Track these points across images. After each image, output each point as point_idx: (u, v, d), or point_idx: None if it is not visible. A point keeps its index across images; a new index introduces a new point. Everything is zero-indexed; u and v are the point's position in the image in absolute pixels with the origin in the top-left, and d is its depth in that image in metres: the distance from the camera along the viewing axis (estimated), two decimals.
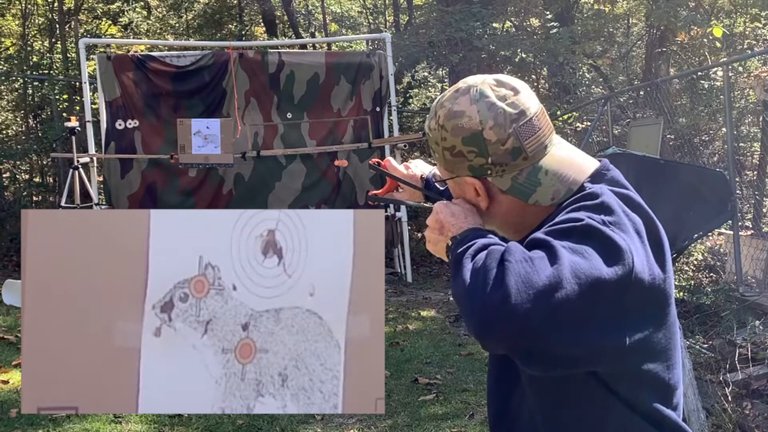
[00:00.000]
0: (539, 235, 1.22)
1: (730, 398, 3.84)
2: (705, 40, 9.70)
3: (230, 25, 14.30)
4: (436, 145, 1.37)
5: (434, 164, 1.64)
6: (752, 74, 7.31)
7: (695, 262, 7.81)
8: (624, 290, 1.19)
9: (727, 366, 4.30)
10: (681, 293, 6.24)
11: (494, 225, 1.41)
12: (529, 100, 1.33)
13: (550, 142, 1.35)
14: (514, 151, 1.31)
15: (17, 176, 11.59)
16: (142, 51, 10.50)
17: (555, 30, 10.18)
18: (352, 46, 13.76)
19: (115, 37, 13.08)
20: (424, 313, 6.96)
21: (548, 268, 1.14)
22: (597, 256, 1.17)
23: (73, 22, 12.42)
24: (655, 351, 1.28)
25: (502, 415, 1.44)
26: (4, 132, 12.32)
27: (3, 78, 11.40)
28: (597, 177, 1.36)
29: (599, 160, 1.40)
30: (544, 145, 1.33)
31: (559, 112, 10.70)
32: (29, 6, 12.93)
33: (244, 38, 13.33)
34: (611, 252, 1.19)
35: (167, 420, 4.11)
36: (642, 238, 1.26)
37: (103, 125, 8.47)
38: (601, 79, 13.06)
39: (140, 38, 13.21)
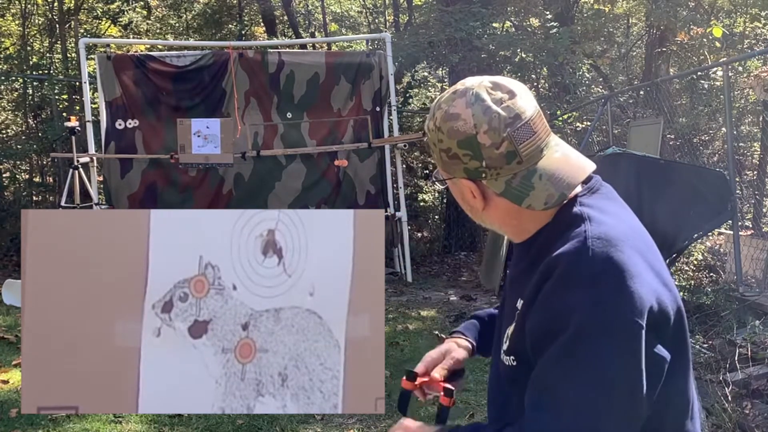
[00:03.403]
0: (542, 380, 1.23)
1: (730, 398, 3.84)
2: (705, 40, 9.69)
3: (230, 25, 14.30)
4: (433, 145, 1.38)
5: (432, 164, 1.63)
6: (752, 74, 7.31)
7: (695, 262, 7.81)
8: (648, 345, 1.22)
9: (727, 366, 4.30)
10: (681, 293, 6.23)
11: (494, 225, 1.43)
12: (525, 103, 1.32)
13: (547, 145, 1.34)
14: (508, 155, 1.30)
15: (17, 176, 11.58)
16: (142, 51, 10.50)
17: (555, 30, 10.18)
18: (352, 46, 13.75)
19: (115, 37, 13.08)
20: (424, 313, 6.96)
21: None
22: (612, 355, 1.19)
23: (73, 22, 12.41)
24: (682, 370, 1.31)
25: (502, 416, 1.44)
26: (4, 132, 12.32)
27: (3, 78, 11.40)
28: (592, 191, 1.38)
29: (592, 175, 1.41)
30: (540, 148, 1.33)
31: (559, 112, 10.70)
32: (29, 6, 12.92)
33: (244, 38, 13.33)
34: (621, 337, 1.20)
35: (167, 420, 4.11)
36: (645, 259, 1.28)
37: (103, 125, 8.47)
38: (601, 79, 13.05)
39: (140, 38, 13.20)
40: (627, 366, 1.19)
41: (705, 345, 4.95)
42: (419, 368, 1.57)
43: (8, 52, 12.56)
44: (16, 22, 13.23)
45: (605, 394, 1.18)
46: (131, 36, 13.34)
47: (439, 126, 1.34)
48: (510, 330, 1.37)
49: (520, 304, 1.34)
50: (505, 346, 1.38)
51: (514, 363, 1.35)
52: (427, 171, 12.40)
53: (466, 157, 1.32)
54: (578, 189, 1.37)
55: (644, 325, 1.20)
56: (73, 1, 12.69)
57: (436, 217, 11.98)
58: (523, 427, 1.22)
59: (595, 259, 1.23)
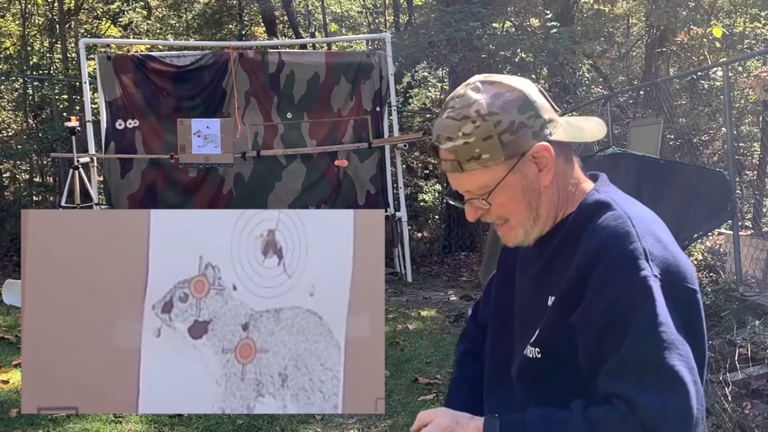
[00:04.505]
0: (635, 361, 1.23)
1: (730, 398, 3.84)
2: (705, 40, 9.69)
3: (230, 25, 14.29)
4: (487, 138, 1.31)
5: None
6: (752, 74, 7.30)
7: (695, 262, 7.80)
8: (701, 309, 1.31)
9: (727, 366, 4.30)
10: None
11: (546, 208, 1.39)
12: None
13: None
14: (552, 107, 1.37)
15: (17, 176, 11.59)
16: (142, 51, 10.49)
17: (555, 30, 10.17)
18: (352, 46, 13.75)
19: (115, 38, 13.08)
20: (424, 313, 6.96)
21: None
22: (685, 326, 1.25)
23: (73, 22, 12.42)
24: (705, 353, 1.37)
25: (503, 411, 1.45)
26: (4, 132, 12.32)
27: (3, 78, 11.40)
28: (606, 183, 1.44)
29: (598, 174, 1.47)
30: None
31: (559, 112, 10.69)
32: (29, 6, 12.92)
33: (244, 38, 13.33)
34: (689, 305, 1.27)
35: (167, 420, 4.11)
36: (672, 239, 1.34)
37: (103, 125, 8.48)
38: (601, 79, 13.05)
39: (140, 38, 13.20)
40: (701, 329, 1.28)
41: None
42: None
43: (8, 52, 12.56)
44: (16, 22, 13.23)
45: (690, 360, 1.23)
46: (131, 36, 13.34)
47: (488, 111, 1.31)
48: (541, 324, 1.37)
49: (551, 300, 1.36)
50: (532, 339, 1.39)
51: (539, 355, 1.37)
52: (427, 171, 12.39)
53: (531, 119, 1.33)
54: (592, 184, 1.43)
55: (699, 291, 1.28)
56: (73, 1, 12.69)
57: (436, 217, 11.98)
58: (635, 407, 1.20)
59: (645, 235, 1.28)
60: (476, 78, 1.38)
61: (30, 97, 12.03)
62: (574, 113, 10.94)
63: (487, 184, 1.35)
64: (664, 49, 11.71)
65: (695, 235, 5.84)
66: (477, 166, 1.33)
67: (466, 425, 1.34)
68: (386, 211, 8.41)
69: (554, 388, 1.34)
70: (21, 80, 11.66)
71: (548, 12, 11.25)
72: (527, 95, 1.33)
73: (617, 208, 1.33)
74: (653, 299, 1.22)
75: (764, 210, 8.33)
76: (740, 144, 9.48)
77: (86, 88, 8.64)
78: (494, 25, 11.04)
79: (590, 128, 1.40)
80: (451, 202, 9.41)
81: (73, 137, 7.67)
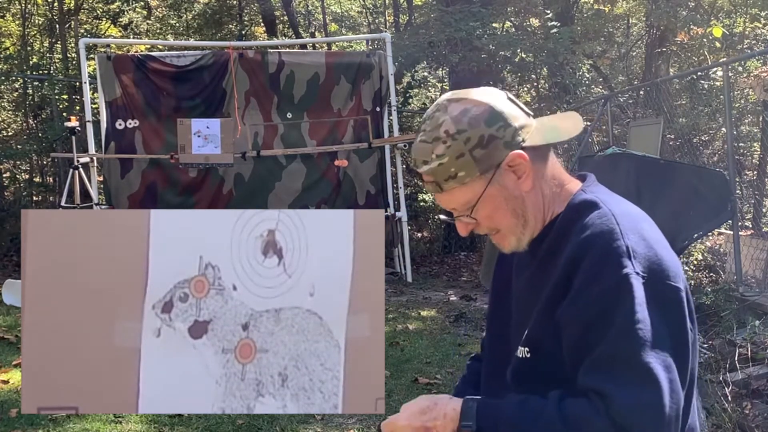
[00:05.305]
0: (614, 356, 1.24)
1: (730, 398, 3.84)
2: (705, 40, 9.69)
3: (230, 25, 14.30)
4: (460, 157, 1.33)
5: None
6: (752, 74, 7.30)
7: (695, 262, 7.80)
8: (688, 315, 1.30)
9: (727, 366, 4.30)
10: None
11: (532, 212, 1.40)
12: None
13: None
14: (523, 113, 1.37)
15: (17, 176, 11.59)
16: (142, 51, 10.49)
17: (555, 30, 10.17)
18: (352, 46, 13.76)
19: (115, 38, 13.08)
20: (424, 313, 6.96)
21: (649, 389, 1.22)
22: (669, 320, 1.26)
23: (72, 22, 12.42)
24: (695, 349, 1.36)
25: None
26: (4, 132, 12.32)
27: (3, 78, 11.40)
28: (593, 183, 1.44)
29: (587, 174, 1.48)
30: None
31: (559, 112, 10.68)
32: (29, 6, 12.92)
33: (244, 38, 13.33)
34: (671, 303, 1.28)
35: (167, 420, 4.11)
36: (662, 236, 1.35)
37: (103, 125, 8.48)
38: (601, 79, 13.05)
39: (140, 38, 13.20)
40: (682, 327, 1.27)
41: (705, 345, 4.95)
42: None
43: (8, 52, 12.56)
44: (16, 22, 13.23)
45: (666, 358, 1.23)
46: (131, 36, 13.34)
47: (457, 129, 1.33)
48: (530, 324, 1.39)
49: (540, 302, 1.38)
50: (521, 339, 1.40)
51: (528, 355, 1.38)
52: None
53: (501, 129, 1.34)
54: (579, 184, 1.43)
55: (683, 289, 1.29)
56: (73, 1, 12.68)
57: (436, 217, 11.98)
58: (609, 403, 1.21)
59: (629, 233, 1.29)
60: (444, 97, 1.39)
61: (30, 97, 12.02)
62: None
63: (469, 200, 1.38)
64: (664, 49, 11.70)
65: (695, 235, 5.83)
66: (455, 184, 1.36)
67: (444, 405, 1.35)
68: (386, 211, 8.41)
69: (546, 388, 1.35)
70: (21, 80, 11.66)
71: (548, 12, 11.24)
72: (493, 107, 1.34)
73: (603, 206, 1.35)
74: (633, 297, 1.23)
75: (764, 210, 8.33)
76: (740, 144, 9.48)
77: (86, 88, 8.64)
78: (494, 25, 11.03)
79: (566, 127, 1.41)
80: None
81: (73, 137, 7.67)
